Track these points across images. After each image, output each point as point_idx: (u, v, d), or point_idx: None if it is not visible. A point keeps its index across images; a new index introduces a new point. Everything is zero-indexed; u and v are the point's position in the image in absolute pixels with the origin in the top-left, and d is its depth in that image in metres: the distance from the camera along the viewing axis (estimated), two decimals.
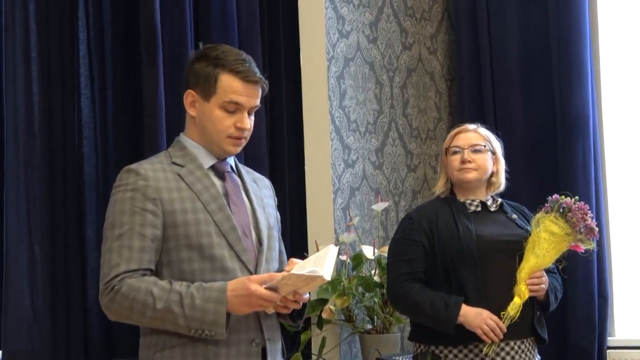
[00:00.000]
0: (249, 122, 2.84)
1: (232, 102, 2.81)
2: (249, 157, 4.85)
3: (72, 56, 4.89)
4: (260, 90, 2.86)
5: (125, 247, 2.70)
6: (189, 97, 2.87)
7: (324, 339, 4.99)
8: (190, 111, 2.87)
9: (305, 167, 5.36)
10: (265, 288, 2.64)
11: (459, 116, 5.93)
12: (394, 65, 5.79)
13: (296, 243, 5.26)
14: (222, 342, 2.72)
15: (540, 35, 5.76)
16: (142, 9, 4.68)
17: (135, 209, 2.73)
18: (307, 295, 2.76)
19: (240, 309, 2.67)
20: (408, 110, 5.86)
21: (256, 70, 2.84)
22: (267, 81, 2.87)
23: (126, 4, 5.01)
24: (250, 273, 2.76)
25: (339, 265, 5.13)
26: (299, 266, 2.70)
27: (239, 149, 2.89)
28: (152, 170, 2.79)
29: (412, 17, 5.97)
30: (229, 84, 2.81)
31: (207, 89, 2.82)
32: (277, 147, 5.42)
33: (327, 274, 2.63)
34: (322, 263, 2.65)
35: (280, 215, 3.11)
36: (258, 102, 2.86)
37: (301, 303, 2.75)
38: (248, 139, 2.89)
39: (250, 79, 2.82)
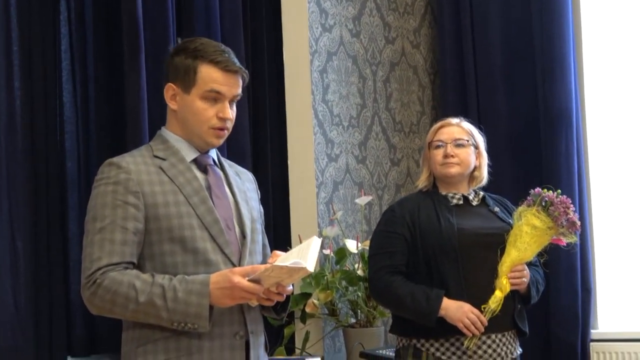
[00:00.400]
0: (230, 113, 2.84)
1: (212, 91, 2.80)
2: (232, 151, 4.85)
3: (54, 50, 4.86)
4: (240, 80, 2.85)
5: (107, 240, 2.69)
6: (170, 90, 2.86)
7: (307, 333, 4.99)
8: (171, 104, 2.87)
9: (289, 161, 5.36)
10: (248, 280, 2.64)
11: (442, 110, 5.94)
12: (377, 59, 5.79)
13: (279, 237, 5.26)
14: (205, 335, 2.71)
15: (522, 28, 5.78)
16: (124, 3, 4.66)
17: (117, 202, 2.72)
18: (291, 288, 2.75)
19: (223, 301, 2.66)
20: (391, 104, 5.86)
21: (235, 60, 2.84)
22: (247, 71, 2.87)
23: None
24: (234, 266, 2.75)
25: (323, 259, 5.13)
26: (282, 258, 2.70)
27: (222, 141, 2.88)
28: (134, 163, 2.79)
29: (395, 11, 5.97)
30: (208, 74, 2.80)
31: (187, 81, 2.81)
32: (260, 142, 5.41)
33: (311, 265, 2.62)
34: (305, 255, 2.64)
35: (264, 209, 3.10)
36: (239, 91, 2.85)
37: (285, 295, 2.75)
38: (230, 130, 2.88)
39: (229, 69, 2.81)
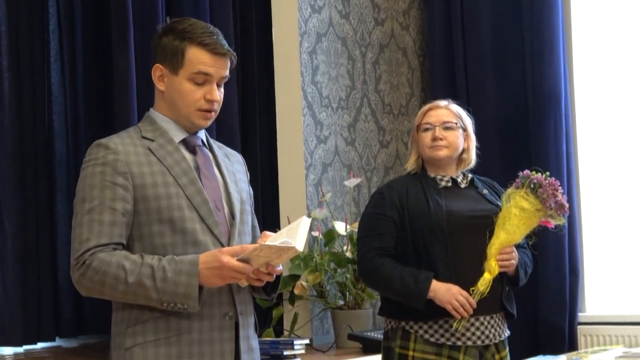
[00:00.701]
0: (218, 94, 2.83)
1: (200, 73, 2.79)
2: (221, 132, 4.84)
3: (42, 30, 4.84)
4: (228, 62, 2.84)
5: (95, 221, 2.69)
6: (157, 71, 2.85)
7: (296, 315, 5.00)
8: (159, 85, 2.86)
9: (278, 143, 5.35)
10: (237, 260, 2.64)
11: (431, 92, 5.94)
12: (367, 40, 5.78)
13: (268, 219, 5.26)
14: (194, 316, 2.71)
15: (512, 11, 5.77)
16: None
17: (105, 183, 2.72)
18: (280, 268, 2.75)
19: (213, 281, 2.66)
20: (380, 86, 5.86)
21: (224, 42, 2.83)
22: (235, 53, 2.86)
23: None
24: (223, 246, 2.75)
25: (311, 241, 5.14)
26: (271, 238, 2.69)
27: (209, 122, 2.88)
28: (122, 144, 2.78)
29: None
30: (196, 56, 2.79)
31: (175, 62, 2.80)
32: (249, 123, 5.41)
33: (300, 245, 2.62)
34: (294, 235, 2.64)
35: (253, 191, 3.10)
36: (227, 72, 2.84)
37: (274, 275, 2.75)
38: (218, 111, 2.88)
39: (218, 51, 2.81)
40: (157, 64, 2.85)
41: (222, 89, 2.86)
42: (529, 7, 5.65)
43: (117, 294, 2.68)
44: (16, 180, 4.68)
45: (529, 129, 5.65)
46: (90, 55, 4.99)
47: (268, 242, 2.62)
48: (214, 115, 2.87)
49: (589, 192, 5.73)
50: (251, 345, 2.86)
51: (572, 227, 5.44)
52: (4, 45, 4.67)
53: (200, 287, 2.66)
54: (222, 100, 2.86)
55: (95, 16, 5.00)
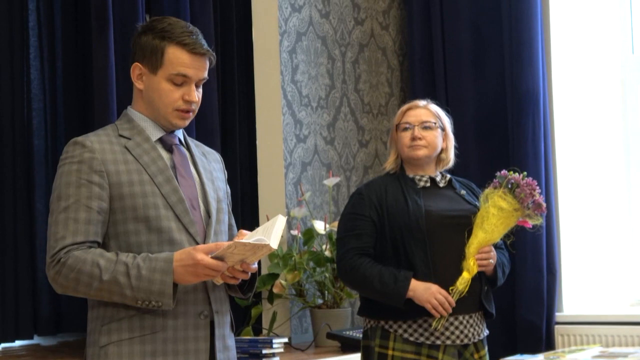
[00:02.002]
0: (196, 95, 2.83)
1: (179, 75, 2.79)
2: (200, 130, 4.84)
3: (21, 26, 4.83)
4: (207, 63, 2.85)
5: (71, 219, 2.69)
6: (136, 70, 2.85)
7: (274, 314, 5.00)
8: (138, 84, 2.85)
9: (257, 142, 5.35)
10: (212, 257, 2.64)
11: (410, 92, 5.95)
12: (346, 40, 5.79)
13: (247, 218, 5.26)
14: (169, 314, 2.71)
15: (491, 10, 5.78)
16: None
17: (81, 181, 2.71)
18: (255, 266, 2.76)
19: (187, 279, 2.67)
20: (360, 86, 5.86)
21: (203, 42, 2.83)
22: (214, 53, 2.86)
23: None
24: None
25: (290, 240, 5.14)
26: (247, 236, 2.70)
27: (187, 122, 2.88)
28: (99, 142, 2.78)
29: None
30: (175, 57, 2.79)
31: (154, 61, 2.80)
32: (229, 122, 5.40)
33: (274, 243, 2.63)
34: (269, 233, 2.65)
35: (232, 189, 3.10)
36: (206, 74, 2.85)
37: (250, 274, 2.75)
38: (196, 112, 2.88)
39: (197, 51, 2.81)
40: (136, 63, 2.84)
41: (200, 89, 2.86)
42: (508, 7, 5.66)
43: (91, 292, 2.68)
44: None
45: (507, 129, 5.66)
46: (69, 52, 4.98)
47: (242, 240, 2.63)
48: (191, 115, 2.87)
49: (566, 192, 5.75)
50: (227, 344, 2.86)
51: (549, 226, 5.45)
52: None
53: (175, 285, 2.67)
54: (200, 101, 2.87)
55: (75, 14, 4.99)
